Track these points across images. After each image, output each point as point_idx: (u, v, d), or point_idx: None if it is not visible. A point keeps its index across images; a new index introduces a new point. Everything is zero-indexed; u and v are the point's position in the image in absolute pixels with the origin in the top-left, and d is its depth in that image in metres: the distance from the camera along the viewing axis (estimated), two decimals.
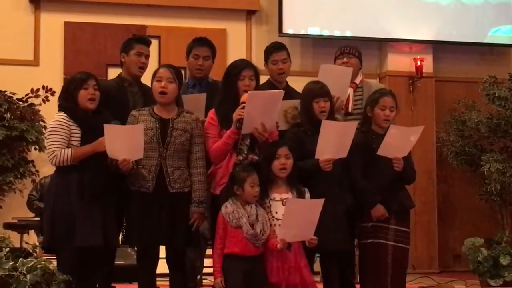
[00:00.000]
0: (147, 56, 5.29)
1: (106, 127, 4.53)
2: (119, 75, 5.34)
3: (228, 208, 4.53)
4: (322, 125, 4.67)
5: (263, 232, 4.48)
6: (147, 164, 4.67)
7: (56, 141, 4.64)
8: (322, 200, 4.41)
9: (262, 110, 4.61)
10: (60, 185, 4.68)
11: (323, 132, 4.66)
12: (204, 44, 5.52)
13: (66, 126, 4.67)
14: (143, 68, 5.26)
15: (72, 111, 4.70)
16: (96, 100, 4.74)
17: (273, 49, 5.47)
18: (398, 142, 4.84)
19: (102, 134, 4.58)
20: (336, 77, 5.21)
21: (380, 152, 4.83)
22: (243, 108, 4.60)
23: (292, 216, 4.39)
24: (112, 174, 4.66)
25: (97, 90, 4.74)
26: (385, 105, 5.00)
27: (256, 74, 4.82)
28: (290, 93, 5.29)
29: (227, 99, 4.79)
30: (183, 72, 5.14)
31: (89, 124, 4.70)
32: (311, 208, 4.42)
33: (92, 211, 4.62)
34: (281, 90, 4.84)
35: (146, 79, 5.18)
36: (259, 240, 4.49)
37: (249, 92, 4.64)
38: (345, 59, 5.53)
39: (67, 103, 4.74)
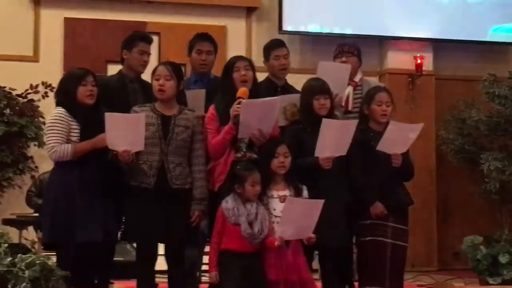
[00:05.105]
0: (148, 55, 5.31)
1: (108, 115, 4.50)
2: (120, 71, 5.34)
3: (229, 203, 4.53)
4: (322, 123, 4.66)
5: (261, 232, 4.47)
6: (148, 160, 4.66)
7: (55, 136, 4.63)
8: (322, 201, 4.39)
9: (258, 118, 4.61)
10: (60, 181, 4.68)
11: (323, 130, 4.65)
12: (206, 39, 5.53)
13: (65, 122, 4.66)
14: (144, 66, 5.28)
15: (71, 107, 4.69)
16: (94, 96, 4.73)
17: (275, 45, 5.48)
18: (397, 138, 4.85)
19: (101, 130, 4.57)
20: (335, 74, 5.21)
21: (379, 147, 4.84)
22: (239, 103, 4.60)
23: (291, 215, 4.38)
24: (112, 170, 4.65)
25: (94, 86, 4.74)
26: (381, 101, 5.01)
27: (251, 64, 4.83)
28: (288, 91, 5.30)
29: (225, 94, 4.79)
30: (182, 68, 5.14)
31: (88, 120, 4.69)
32: (310, 208, 4.41)
33: (93, 207, 4.62)
34: (276, 97, 4.85)
35: (146, 76, 5.18)
36: (256, 239, 4.48)
37: (243, 101, 4.61)
38: (343, 59, 5.52)
39: (65, 99, 4.73)
